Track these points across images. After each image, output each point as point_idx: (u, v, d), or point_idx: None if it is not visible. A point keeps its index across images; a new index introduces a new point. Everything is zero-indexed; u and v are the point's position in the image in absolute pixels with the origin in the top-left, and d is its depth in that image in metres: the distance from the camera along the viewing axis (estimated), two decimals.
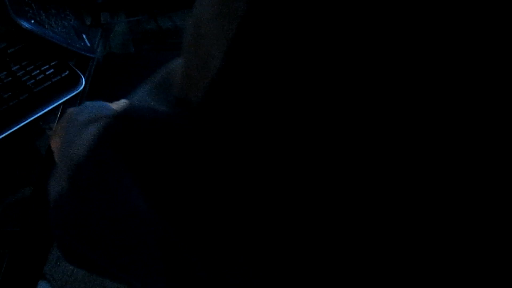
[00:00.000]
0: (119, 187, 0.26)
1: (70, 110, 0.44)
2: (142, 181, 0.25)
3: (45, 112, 0.72)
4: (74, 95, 0.76)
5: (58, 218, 0.30)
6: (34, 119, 0.71)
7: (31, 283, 0.57)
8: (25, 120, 0.70)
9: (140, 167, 0.25)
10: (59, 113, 0.75)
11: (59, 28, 0.81)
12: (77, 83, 0.77)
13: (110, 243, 0.27)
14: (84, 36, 0.86)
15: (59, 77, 0.76)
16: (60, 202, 0.30)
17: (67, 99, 0.75)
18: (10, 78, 0.74)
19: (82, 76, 0.78)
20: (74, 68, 0.78)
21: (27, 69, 0.75)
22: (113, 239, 0.27)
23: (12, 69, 0.75)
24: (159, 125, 0.25)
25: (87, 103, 0.46)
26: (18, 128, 0.69)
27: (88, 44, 0.86)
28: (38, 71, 0.75)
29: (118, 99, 0.78)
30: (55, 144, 0.46)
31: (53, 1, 0.86)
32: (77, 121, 0.38)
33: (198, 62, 0.24)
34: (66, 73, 0.77)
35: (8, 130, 0.68)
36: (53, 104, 0.73)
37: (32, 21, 0.76)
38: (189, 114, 0.24)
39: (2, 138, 0.68)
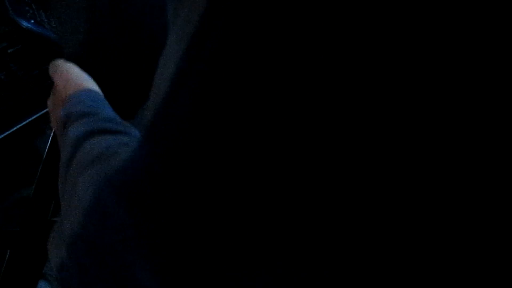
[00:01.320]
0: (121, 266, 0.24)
1: (61, 115, 0.39)
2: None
3: (45, 112, 0.72)
4: None
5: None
6: (34, 119, 0.71)
7: (31, 283, 0.57)
8: (25, 120, 0.70)
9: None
10: None
11: None
12: None
13: None
14: None
15: None
16: (62, 270, 0.29)
17: None
18: (10, 78, 0.73)
19: None
20: None
21: (27, 69, 0.75)
22: None
23: (12, 69, 0.75)
24: None
25: (81, 95, 0.40)
26: (18, 128, 0.69)
27: None
28: (38, 71, 0.75)
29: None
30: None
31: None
32: (68, 138, 0.35)
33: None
34: None
35: (8, 130, 0.68)
36: None
37: (32, 21, 0.76)
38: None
39: (2, 138, 0.68)
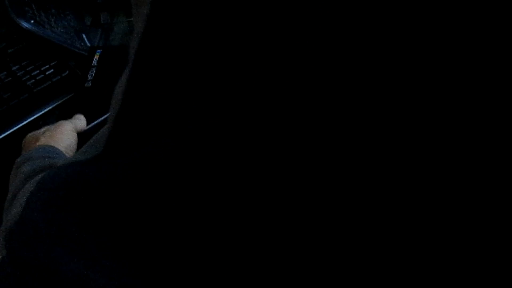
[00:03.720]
0: (51, 258, 0.25)
1: (17, 160, 0.47)
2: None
3: (45, 112, 0.72)
4: (75, 92, 0.76)
5: None
6: (34, 119, 0.71)
7: None
8: (25, 120, 0.70)
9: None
10: (58, 113, 0.75)
11: (59, 28, 0.81)
12: (78, 81, 0.77)
13: None
14: (84, 36, 0.86)
15: (59, 77, 0.76)
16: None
17: (67, 99, 0.75)
18: (10, 78, 0.73)
19: None
20: (74, 68, 0.78)
21: (27, 69, 0.75)
22: None
23: (12, 69, 0.75)
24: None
25: (32, 152, 0.49)
26: (18, 128, 0.69)
27: (88, 44, 0.86)
28: (38, 71, 0.75)
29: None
30: None
31: (53, 1, 0.86)
32: (21, 173, 0.40)
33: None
34: (66, 73, 0.76)
35: (8, 130, 0.68)
36: (53, 104, 0.73)
37: (32, 21, 0.76)
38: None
39: (2, 138, 0.68)
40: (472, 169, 0.20)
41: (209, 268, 0.23)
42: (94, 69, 0.74)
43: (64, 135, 0.55)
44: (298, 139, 0.21)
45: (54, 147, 0.52)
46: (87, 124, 0.63)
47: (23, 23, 0.74)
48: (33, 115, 0.71)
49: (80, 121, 0.60)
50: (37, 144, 0.53)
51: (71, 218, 0.25)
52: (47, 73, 0.76)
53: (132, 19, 0.98)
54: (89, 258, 0.24)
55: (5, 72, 0.74)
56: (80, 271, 0.24)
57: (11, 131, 0.68)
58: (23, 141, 0.56)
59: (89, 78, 0.73)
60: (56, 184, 0.27)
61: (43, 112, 0.72)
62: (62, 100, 0.74)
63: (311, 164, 0.21)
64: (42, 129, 0.56)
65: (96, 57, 0.76)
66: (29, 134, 0.56)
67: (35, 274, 0.26)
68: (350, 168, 0.21)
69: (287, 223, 0.22)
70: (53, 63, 0.77)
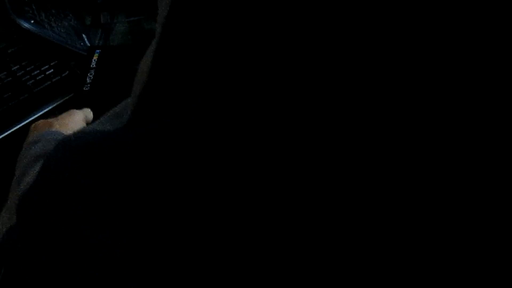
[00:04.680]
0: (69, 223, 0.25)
1: (27, 140, 0.48)
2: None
3: (45, 112, 0.72)
4: (74, 95, 0.76)
5: (5, 250, 0.30)
6: (34, 119, 0.71)
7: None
8: (25, 120, 0.70)
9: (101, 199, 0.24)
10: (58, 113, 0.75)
11: (59, 28, 0.81)
12: (77, 83, 0.77)
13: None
14: (84, 36, 0.86)
15: (59, 77, 0.76)
16: (8, 238, 0.30)
17: (67, 99, 0.75)
18: (10, 78, 0.74)
19: None
20: (74, 68, 0.78)
21: (27, 69, 0.75)
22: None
23: (12, 69, 0.75)
24: (110, 147, 0.25)
25: (44, 133, 0.50)
26: (18, 128, 0.69)
27: (88, 44, 0.86)
28: (38, 71, 0.75)
29: (117, 93, 0.78)
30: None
31: (53, 1, 0.86)
32: (31, 155, 0.41)
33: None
34: (66, 73, 0.77)
35: (8, 130, 0.68)
36: (53, 104, 0.73)
37: (32, 21, 0.76)
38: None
39: (2, 138, 0.68)
40: (472, 169, 0.20)
41: (210, 263, 0.23)
42: (92, 71, 0.74)
43: (77, 124, 0.56)
44: (299, 138, 0.21)
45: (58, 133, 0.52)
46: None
47: (23, 23, 0.74)
48: (33, 115, 0.71)
49: (89, 113, 0.61)
50: (49, 129, 0.53)
51: (87, 186, 0.25)
52: (47, 73, 0.76)
53: (132, 19, 0.98)
54: (98, 227, 0.24)
55: (5, 72, 0.74)
56: (88, 239, 0.24)
57: (11, 131, 0.68)
58: (33, 125, 0.56)
59: (87, 81, 0.73)
60: (73, 150, 0.27)
61: (43, 112, 0.72)
62: (62, 100, 0.74)
63: (311, 163, 0.21)
64: (54, 118, 0.57)
65: (95, 57, 0.76)
66: (41, 120, 0.57)
67: (45, 239, 0.26)
68: (350, 168, 0.21)
69: (287, 220, 0.22)
70: (53, 63, 0.77)
